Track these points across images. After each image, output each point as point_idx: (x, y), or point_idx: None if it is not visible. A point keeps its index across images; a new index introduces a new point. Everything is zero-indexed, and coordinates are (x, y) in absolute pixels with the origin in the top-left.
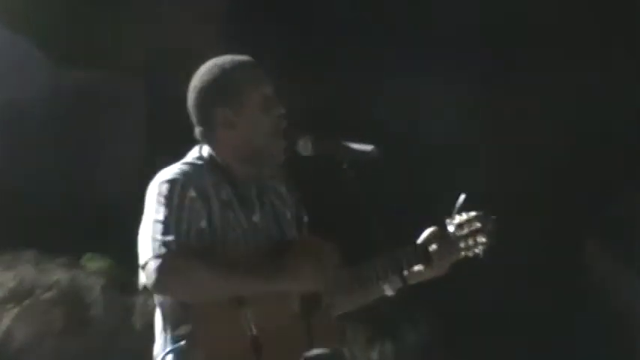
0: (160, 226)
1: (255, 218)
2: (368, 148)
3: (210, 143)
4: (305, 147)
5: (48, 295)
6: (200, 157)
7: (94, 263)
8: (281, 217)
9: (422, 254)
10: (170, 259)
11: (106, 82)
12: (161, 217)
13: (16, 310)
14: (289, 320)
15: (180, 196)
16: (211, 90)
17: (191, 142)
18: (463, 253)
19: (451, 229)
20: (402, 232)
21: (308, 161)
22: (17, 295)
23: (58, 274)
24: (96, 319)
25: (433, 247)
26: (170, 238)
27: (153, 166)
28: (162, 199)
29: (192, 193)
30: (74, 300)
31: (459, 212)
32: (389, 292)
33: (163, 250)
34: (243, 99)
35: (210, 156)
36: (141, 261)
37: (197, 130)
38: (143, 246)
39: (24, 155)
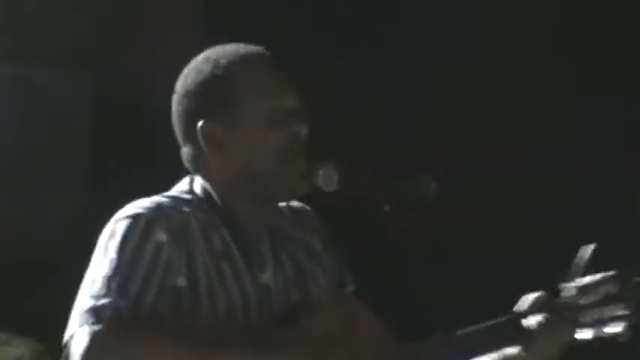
0: (96, 287)
1: (266, 278)
2: (422, 181)
3: (199, 171)
4: (328, 179)
5: None
6: (189, 191)
7: (11, 349)
8: (308, 279)
9: (515, 331)
10: (100, 333)
11: (34, 79)
12: (104, 270)
13: None
14: None
15: (140, 240)
16: (196, 95)
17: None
18: (586, 331)
19: (568, 293)
20: (479, 303)
21: (330, 199)
22: None
23: None
24: None
25: (536, 321)
26: (106, 301)
27: (101, 207)
28: (110, 247)
29: (161, 236)
30: None
31: (586, 271)
32: None
33: (93, 319)
34: (238, 109)
35: (205, 190)
36: (66, 335)
37: (182, 153)
38: (73, 312)
39: None
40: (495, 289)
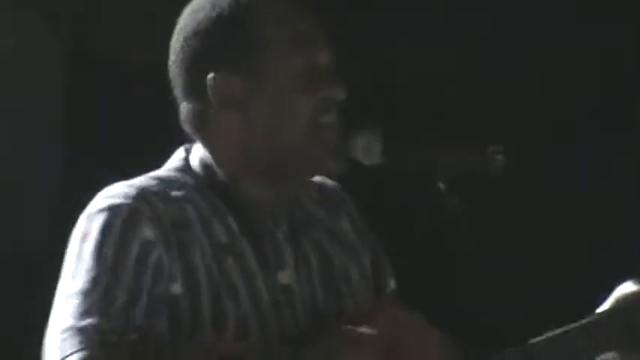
0: (75, 302)
1: (285, 276)
2: (486, 152)
3: (203, 141)
4: (369, 150)
5: None
6: (184, 167)
7: None
8: (339, 275)
9: (626, 331)
10: None
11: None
12: (81, 282)
13: None
14: None
15: (122, 239)
16: (209, 37)
17: (156, 151)
18: None
19: None
20: (553, 301)
21: (368, 174)
22: None
23: None
24: None
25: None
26: (88, 322)
27: (77, 190)
28: (88, 247)
29: (148, 233)
30: None
31: None
32: None
33: (75, 347)
34: (265, 60)
35: (205, 165)
36: None
37: (181, 111)
38: (48, 338)
39: None
40: (571, 284)
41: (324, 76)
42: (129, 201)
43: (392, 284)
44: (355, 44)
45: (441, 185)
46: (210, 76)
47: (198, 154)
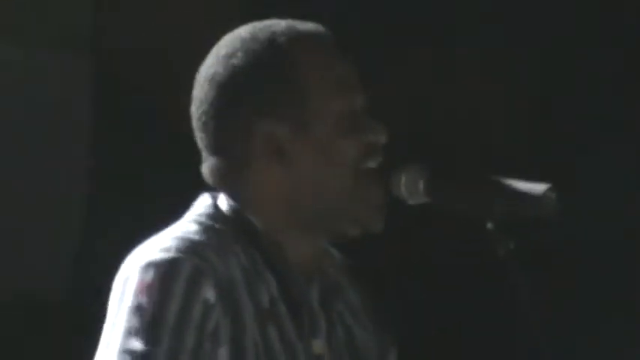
0: None
1: (319, 347)
2: (536, 189)
3: (235, 190)
4: (412, 187)
5: None
6: (216, 215)
7: None
8: (358, 346)
9: None
10: None
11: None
12: (138, 346)
13: None
14: None
15: (185, 302)
16: (250, 86)
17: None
18: None
19: None
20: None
21: (410, 212)
22: None
23: None
24: None
25: None
26: None
27: (103, 234)
28: (145, 308)
29: (209, 293)
30: None
31: None
32: None
33: None
34: (308, 107)
35: (238, 213)
36: None
37: (208, 165)
38: None
39: None
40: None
41: (364, 119)
42: (188, 256)
43: (394, 348)
44: (402, 83)
45: (491, 227)
46: (253, 125)
47: (224, 201)
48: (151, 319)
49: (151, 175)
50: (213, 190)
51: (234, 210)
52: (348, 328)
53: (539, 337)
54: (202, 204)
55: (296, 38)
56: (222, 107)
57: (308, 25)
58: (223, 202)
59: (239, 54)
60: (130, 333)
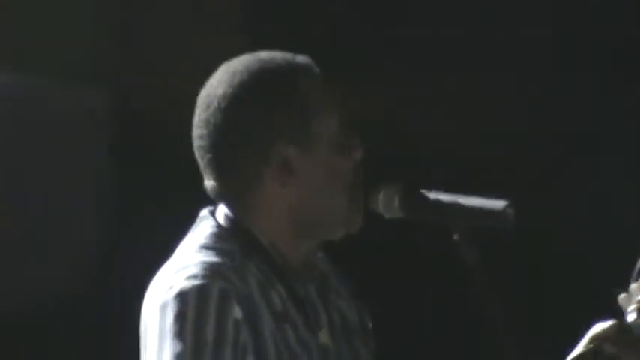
0: None
1: (323, 336)
2: (497, 205)
3: (239, 204)
4: (389, 203)
5: None
6: (222, 233)
7: None
8: (351, 329)
9: None
10: None
11: (44, 92)
12: None
13: None
14: None
15: (219, 324)
16: (263, 108)
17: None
18: None
19: (632, 315)
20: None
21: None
22: None
23: None
24: None
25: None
26: None
27: (126, 241)
28: (187, 332)
29: (237, 312)
30: None
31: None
32: None
33: None
34: (312, 127)
35: (240, 229)
36: None
37: (215, 184)
38: None
39: None
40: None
41: (353, 139)
42: (214, 281)
43: (370, 325)
44: (376, 108)
45: (456, 237)
46: (266, 148)
47: (224, 217)
48: (192, 344)
49: (165, 206)
50: (212, 203)
51: (235, 224)
52: (341, 311)
53: (502, 334)
54: (206, 224)
55: (297, 70)
56: (231, 130)
57: (302, 59)
58: (221, 216)
59: (247, 81)
60: (175, 356)
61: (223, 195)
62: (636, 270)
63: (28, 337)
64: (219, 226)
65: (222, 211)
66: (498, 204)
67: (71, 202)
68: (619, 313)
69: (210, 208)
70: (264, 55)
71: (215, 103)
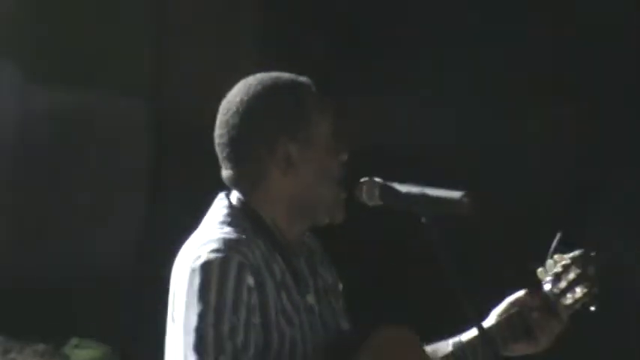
0: (207, 343)
1: (310, 299)
2: (455, 195)
3: (249, 189)
4: (370, 193)
5: None
6: (235, 213)
7: (83, 352)
8: (331, 293)
9: (521, 331)
10: None
11: (98, 105)
12: (208, 328)
13: None
14: None
15: (236, 290)
16: (273, 113)
17: (209, 190)
18: (568, 313)
19: (548, 285)
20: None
21: (368, 214)
22: None
23: None
24: None
25: (532, 316)
26: (230, 345)
27: (158, 223)
28: (210, 298)
29: (250, 281)
30: None
31: (552, 256)
32: None
33: None
34: (313, 132)
35: (249, 209)
36: None
37: (230, 173)
38: None
39: None
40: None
41: (343, 140)
42: (233, 254)
43: (340, 286)
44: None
45: (423, 220)
46: (274, 145)
47: (236, 200)
48: (215, 305)
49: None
50: (225, 189)
51: (245, 206)
52: (323, 278)
53: (459, 291)
54: (222, 205)
55: (300, 85)
56: (249, 131)
57: (304, 78)
58: (234, 199)
59: (260, 94)
60: (202, 316)
61: (237, 182)
62: (551, 249)
63: (84, 300)
64: (232, 206)
65: (235, 195)
66: (456, 194)
67: (122, 194)
68: (536, 284)
69: (226, 192)
70: (273, 74)
71: (234, 108)
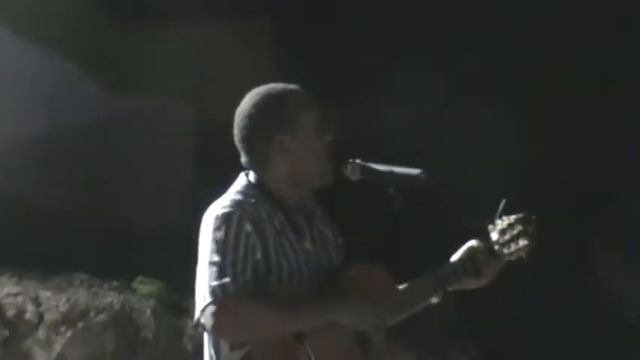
0: (215, 269)
1: (307, 245)
2: (415, 172)
3: (260, 170)
4: (353, 171)
5: (100, 318)
6: (251, 185)
7: (145, 286)
8: (327, 242)
9: (472, 269)
10: (227, 304)
11: (153, 108)
12: (216, 259)
13: (68, 334)
14: (347, 351)
15: (236, 234)
16: (269, 116)
17: (239, 168)
18: (507, 259)
19: (494, 236)
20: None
21: (352, 185)
22: (70, 319)
23: (109, 298)
24: (147, 341)
25: (479, 258)
26: (226, 280)
27: (202, 191)
28: (218, 239)
29: (248, 228)
30: (126, 323)
31: (501, 217)
32: (434, 300)
33: (219, 294)
34: (299, 124)
35: (261, 183)
36: (199, 305)
37: (246, 159)
38: (200, 289)
39: (73, 180)
40: None
41: (324, 127)
42: (235, 210)
43: (341, 240)
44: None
45: (391, 191)
46: (273, 137)
47: (253, 177)
48: (221, 244)
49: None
50: (246, 170)
51: (258, 181)
52: (321, 231)
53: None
54: (241, 180)
55: (290, 92)
56: (254, 130)
57: (294, 85)
58: (251, 177)
59: (261, 101)
60: (212, 252)
61: (251, 165)
62: (499, 210)
63: (148, 248)
64: (249, 182)
65: (251, 174)
66: (416, 171)
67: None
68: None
69: (246, 172)
70: (270, 85)
71: (246, 112)
